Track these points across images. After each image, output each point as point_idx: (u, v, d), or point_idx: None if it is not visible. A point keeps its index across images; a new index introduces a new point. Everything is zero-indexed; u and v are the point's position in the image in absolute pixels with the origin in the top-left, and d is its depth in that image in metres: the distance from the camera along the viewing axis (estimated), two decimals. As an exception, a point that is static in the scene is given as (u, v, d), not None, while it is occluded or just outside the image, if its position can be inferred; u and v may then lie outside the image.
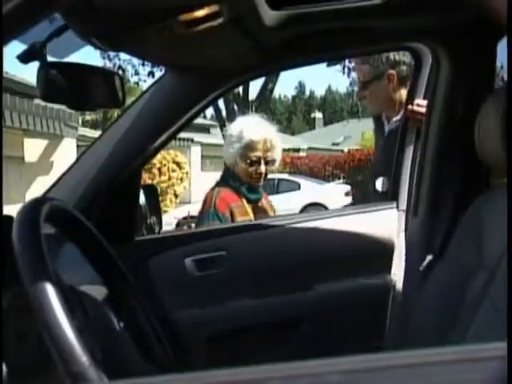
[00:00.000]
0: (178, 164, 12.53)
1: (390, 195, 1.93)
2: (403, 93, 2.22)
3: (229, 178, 2.36)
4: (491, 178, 1.48)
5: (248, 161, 2.32)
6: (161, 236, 1.89)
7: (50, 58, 1.20)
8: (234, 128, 2.37)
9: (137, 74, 8.88)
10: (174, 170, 12.42)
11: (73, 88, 1.27)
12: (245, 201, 2.34)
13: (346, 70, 8.21)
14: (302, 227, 1.82)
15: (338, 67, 8.18)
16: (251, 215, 2.32)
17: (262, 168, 2.34)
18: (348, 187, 14.80)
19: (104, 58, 8.26)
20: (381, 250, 1.78)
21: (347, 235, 1.79)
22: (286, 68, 1.92)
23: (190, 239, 1.81)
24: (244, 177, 2.35)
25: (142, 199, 1.78)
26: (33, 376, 0.96)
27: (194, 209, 11.65)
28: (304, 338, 1.76)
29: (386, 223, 1.83)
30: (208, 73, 1.56)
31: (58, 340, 0.80)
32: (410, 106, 2.03)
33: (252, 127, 2.34)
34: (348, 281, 1.77)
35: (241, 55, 1.46)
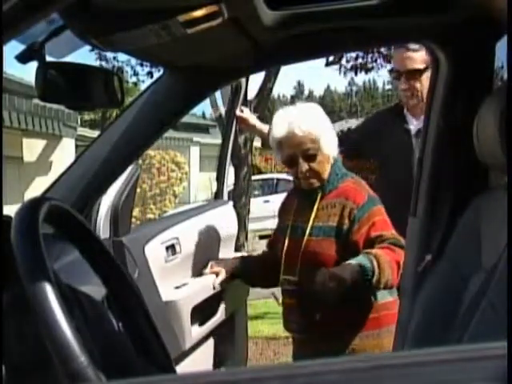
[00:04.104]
0: (177, 164, 12.50)
1: (216, 194, 2.38)
2: None
3: None
4: (490, 178, 1.47)
5: (284, 161, 1.99)
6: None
7: (48, 58, 1.20)
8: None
9: (135, 74, 8.86)
10: (173, 170, 12.39)
11: (71, 88, 1.27)
12: (296, 200, 2.07)
13: (343, 69, 8.13)
14: None
15: (336, 66, 8.13)
16: (290, 214, 2.06)
17: (302, 166, 1.93)
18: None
19: (102, 58, 8.24)
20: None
21: None
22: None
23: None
24: (294, 178, 2.02)
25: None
26: (32, 376, 0.96)
27: (193, 208, 11.63)
28: None
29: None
30: (207, 73, 1.56)
31: (57, 340, 0.80)
32: (237, 111, 2.24)
33: (276, 122, 1.97)
34: None
35: (239, 55, 1.46)
